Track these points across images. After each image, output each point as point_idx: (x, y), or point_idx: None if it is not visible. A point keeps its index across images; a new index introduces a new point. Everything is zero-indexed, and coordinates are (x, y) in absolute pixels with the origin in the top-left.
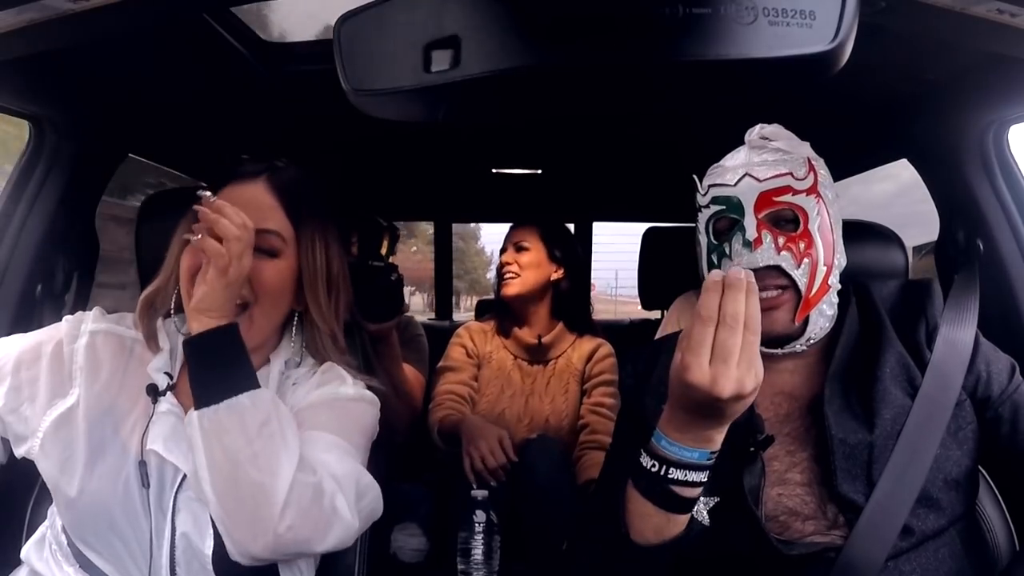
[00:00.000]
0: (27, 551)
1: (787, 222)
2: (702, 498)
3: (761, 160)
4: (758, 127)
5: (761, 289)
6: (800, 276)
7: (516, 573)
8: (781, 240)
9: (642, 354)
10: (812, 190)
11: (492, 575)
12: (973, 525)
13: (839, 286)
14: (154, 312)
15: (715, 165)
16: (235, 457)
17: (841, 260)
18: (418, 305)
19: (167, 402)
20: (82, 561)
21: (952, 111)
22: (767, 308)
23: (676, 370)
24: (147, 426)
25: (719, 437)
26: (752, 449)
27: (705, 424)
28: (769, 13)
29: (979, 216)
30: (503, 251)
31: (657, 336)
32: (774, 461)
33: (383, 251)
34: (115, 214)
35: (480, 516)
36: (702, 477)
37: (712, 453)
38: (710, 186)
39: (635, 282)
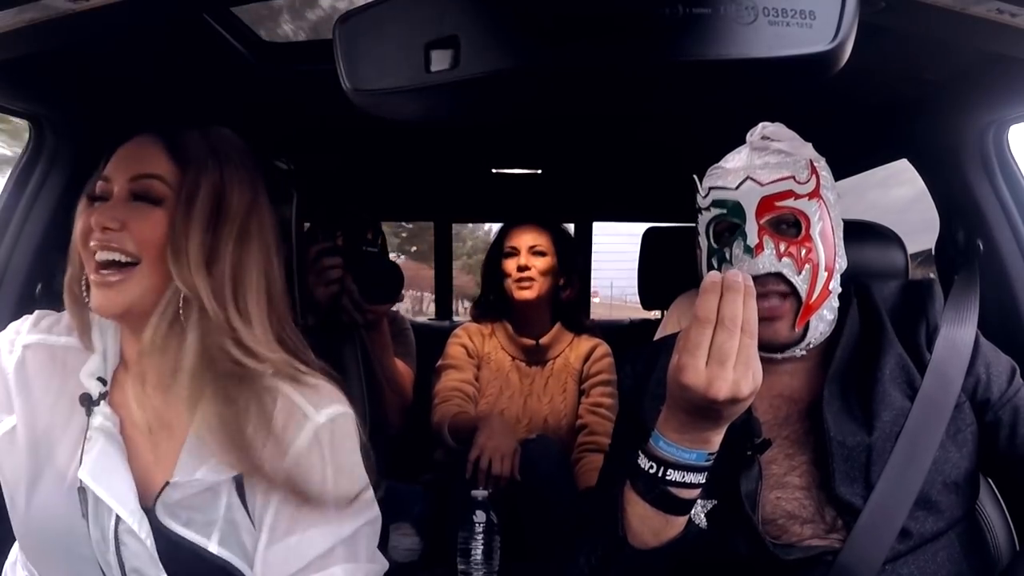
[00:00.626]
0: (6, 573)
1: (788, 226)
2: (700, 501)
3: (763, 163)
4: (760, 127)
5: (762, 296)
6: (801, 282)
7: (516, 573)
8: (783, 246)
9: (642, 355)
10: (814, 194)
11: (492, 575)
12: (973, 528)
13: (839, 290)
14: (81, 301)
15: (715, 166)
16: None
17: (842, 263)
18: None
19: (100, 414)
20: None
21: (952, 111)
22: (769, 318)
23: (673, 371)
24: (82, 448)
25: (717, 439)
26: (749, 453)
27: (702, 426)
28: (769, 13)
29: (979, 216)
30: (513, 252)
31: (656, 336)
32: (772, 464)
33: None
34: None
35: (480, 516)
36: (700, 479)
37: (710, 454)
38: (711, 188)
39: (631, 288)
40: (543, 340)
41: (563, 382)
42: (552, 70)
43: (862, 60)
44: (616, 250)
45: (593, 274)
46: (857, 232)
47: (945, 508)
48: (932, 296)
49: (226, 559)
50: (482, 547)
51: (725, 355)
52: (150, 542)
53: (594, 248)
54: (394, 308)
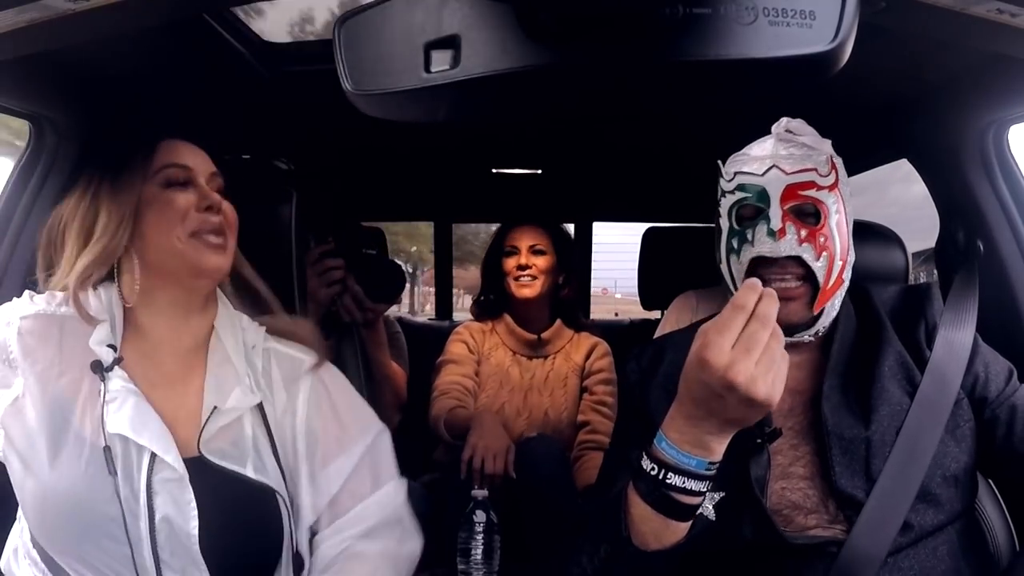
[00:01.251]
0: (6, 564)
1: (808, 215)
2: (709, 493)
3: (788, 153)
4: (785, 120)
5: (780, 278)
6: (819, 268)
7: (516, 573)
8: (803, 232)
9: (647, 351)
10: (833, 187)
11: (492, 575)
12: (972, 525)
13: (848, 283)
14: (85, 290)
15: (740, 153)
16: None
17: (852, 257)
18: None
19: (118, 378)
20: (57, 573)
21: (952, 111)
22: (785, 298)
23: (696, 350)
24: (102, 407)
25: (717, 446)
26: (759, 441)
27: (707, 425)
28: (769, 13)
29: (979, 216)
30: (513, 251)
31: (656, 335)
32: (778, 455)
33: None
34: None
35: (480, 516)
36: (701, 487)
37: (711, 464)
38: (736, 173)
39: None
40: (544, 335)
41: (564, 377)
42: (552, 71)
43: (862, 60)
44: (621, 249)
45: (602, 272)
46: (858, 232)
47: (945, 501)
48: (930, 298)
49: (263, 481)
50: (482, 547)
51: (753, 343)
52: (188, 487)
53: (604, 246)
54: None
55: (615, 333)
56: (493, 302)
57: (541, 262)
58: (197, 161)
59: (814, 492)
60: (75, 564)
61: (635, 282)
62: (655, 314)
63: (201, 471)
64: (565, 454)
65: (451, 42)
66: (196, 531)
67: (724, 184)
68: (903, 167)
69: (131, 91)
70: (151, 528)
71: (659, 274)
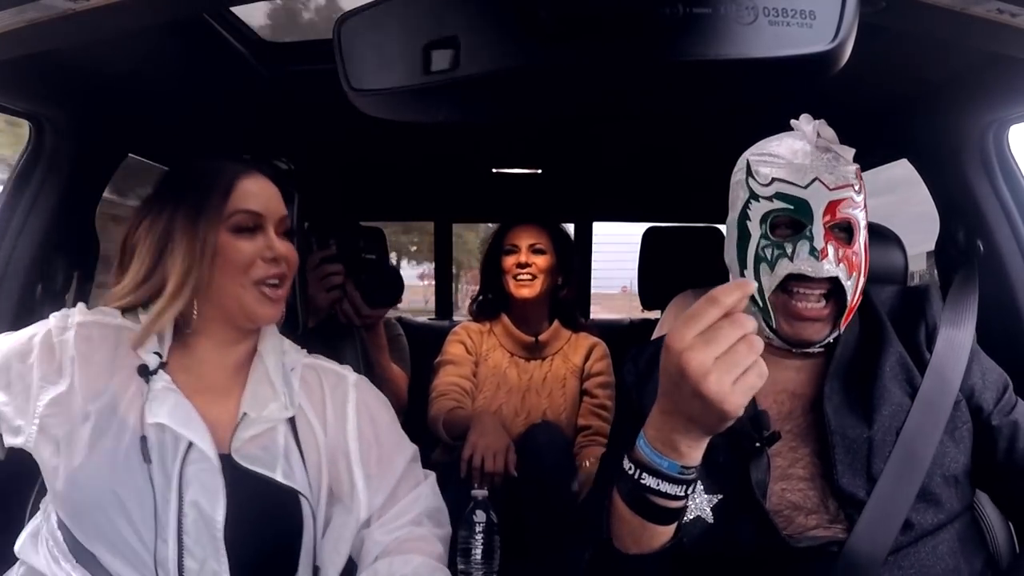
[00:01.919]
0: (22, 546)
1: (843, 231)
2: (707, 496)
3: (828, 166)
4: (815, 123)
5: (807, 296)
6: (849, 286)
7: (516, 573)
8: (841, 251)
9: (644, 352)
10: (864, 204)
11: (492, 575)
12: (972, 524)
13: None
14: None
15: (769, 152)
16: None
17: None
18: None
19: (161, 380)
20: (79, 555)
21: (952, 111)
22: (813, 319)
23: (667, 337)
24: (143, 404)
25: (686, 449)
26: (758, 445)
27: (673, 421)
28: (769, 13)
29: (979, 216)
30: (513, 250)
31: (655, 335)
32: (777, 457)
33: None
34: (115, 214)
35: (480, 516)
36: (676, 491)
37: (683, 468)
38: (775, 179)
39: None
40: (542, 336)
41: (562, 378)
42: (552, 70)
43: (862, 60)
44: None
45: (621, 270)
46: None
47: (945, 501)
48: (930, 299)
49: (290, 486)
50: (482, 547)
51: (716, 337)
52: (220, 477)
53: (623, 245)
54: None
55: (614, 333)
56: (491, 302)
57: (541, 261)
58: (269, 205)
59: (814, 492)
60: (99, 547)
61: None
62: (655, 314)
63: (230, 470)
64: (568, 442)
65: (451, 42)
66: (223, 519)
67: (756, 187)
68: None
69: (131, 91)
70: (180, 514)
71: (659, 274)
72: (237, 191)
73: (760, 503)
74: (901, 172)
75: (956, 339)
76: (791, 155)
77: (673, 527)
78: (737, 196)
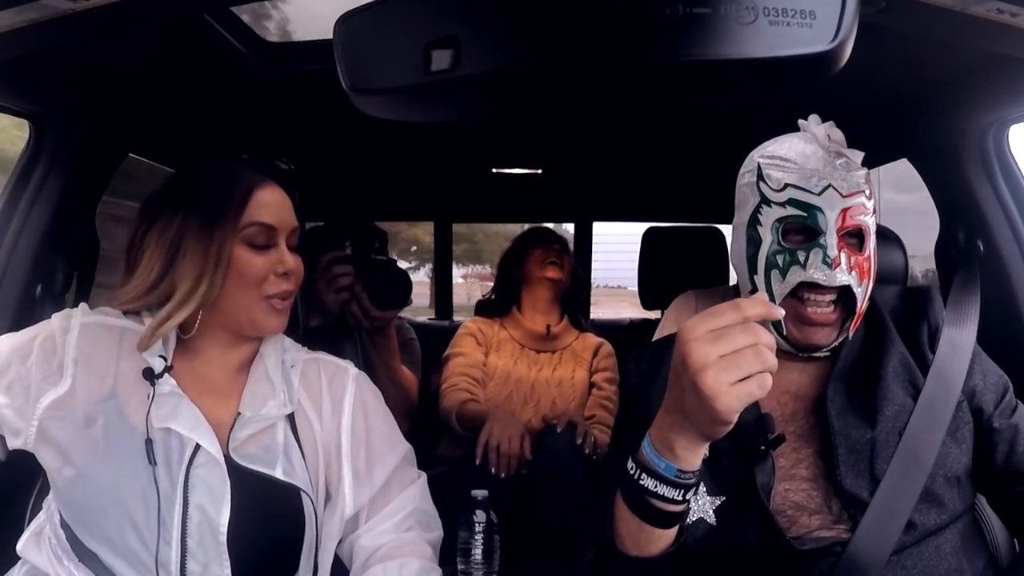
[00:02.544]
0: (24, 546)
1: (854, 238)
2: (709, 497)
3: (841, 172)
4: (825, 125)
5: (817, 302)
6: (859, 292)
7: (517, 573)
8: (852, 259)
9: (647, 353)
10: (873, 208)
11: (492, 575)
12: (973, 524)
13: None
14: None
15: (778, 156)
16: None
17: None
18: None
19: (167, 384)
20: (81, 554)
21: (952, 111)
22: (822, 323)
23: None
24: (149, 407)
25: (681, 451)
26: (763, 448)
27: (671, 419)
28: (769, 13)
29: (979, 216)
30: (542, 249)
31: (656, 336)
32: (780, 458)
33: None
34: (115, 214)
35: (480, 516)
36: (674, 495)
37: (679, 472)
38: (787, 184)
39: None
40: (554, 328)
41: (572, 369)
42: (552, 70)
43: (862, 60)
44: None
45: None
46: None
47: (947, 501)
48: (932, 300)
49: (291, 483)
50: (482, 547)
51: (725, 337)
52: (226, 479)
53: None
54: (400, 315)
55: (615, 333)
56: (499, 301)
57: (565, 261)
58: (281, 217)
59: (817, 493)
60: (101, 548)
61: None
62: (655, 314)
63: (232, 470)
64: (584, 448)
65: (451, 42)
66: (226, 522)
67: (768, 192)
68: None
69: (131, 91)
70: (184, 516)
71: (659, 274)
72: (253, 202)
73: (764, 505)
74: None
75: (958, 340)
76: (803, 159)
77: (673, 532)
78: (746, 198)
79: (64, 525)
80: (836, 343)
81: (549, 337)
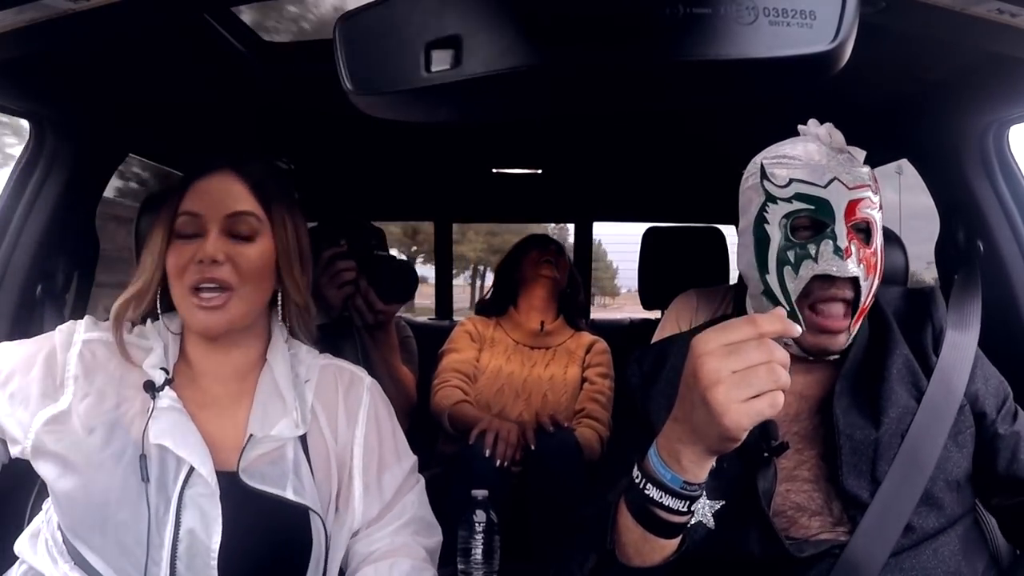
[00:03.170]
0: (21, 545)
1: (860, 231)
2: (708, 501)
3: (845, 167)
4: (824, 126)
5: (829, 300)
6: (865, 287)
7: (516, 573)
8: (861, 251)
9: (648, 354)
10: (880, 205)
11: (492, 575)
12: (974, 527)
13: None
14: (123, 321)
15: (782, 155)
16: None
17: None
18: None
19: (167, 397)
20: (76, 558)
21: (952, 111)
22: (836, 331)
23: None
24: (147, 421)
25: (690, 466)
26: (766, 455)
27: (679, 430)
28: (769, 13)
29: (979, 216)
30: (539, 251)
31: (655, 337)
32: (782, 459)
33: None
34: (115, 214)
35: (480, 516)
36: (679, 505)
37: (685, 484)
38: (792, 180)
39: None
40: (548, 326)
41: (564, 366)
42: (553, 70)
43: (862, 60)
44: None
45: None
46: None
47: (947, 505)
48: (935, 301)
49: (301, 502)
50: (482, 547)
51: (739, 352)
52: (218, 504)
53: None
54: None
55: (615, 333)
56: (496, 301)
57: (560, 262)
58: (213, 204)
59: (819, 494)
60: (94, 558)
61: None
62: (655, 314)
63: (234, 489)
64: (580, 449)
65: (452, 42)
66: (217, 547)
67: (773, 189)
68: None
69: (131, 91)
70: (174, 539)
71: (659, 274)
72: (190, 191)
73: (764, 512)
74: None
75: (961, 343)
76: (807, 156)
77: (675, 542)
78: (750, 200)
79: (60, 528)
80: (845, 345)
81: (543, 333)
